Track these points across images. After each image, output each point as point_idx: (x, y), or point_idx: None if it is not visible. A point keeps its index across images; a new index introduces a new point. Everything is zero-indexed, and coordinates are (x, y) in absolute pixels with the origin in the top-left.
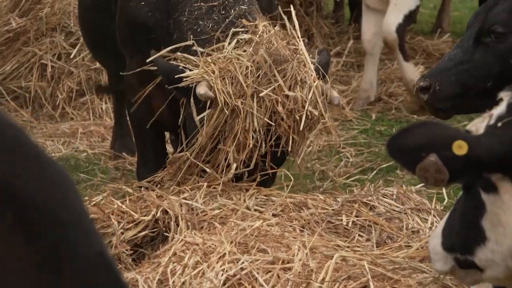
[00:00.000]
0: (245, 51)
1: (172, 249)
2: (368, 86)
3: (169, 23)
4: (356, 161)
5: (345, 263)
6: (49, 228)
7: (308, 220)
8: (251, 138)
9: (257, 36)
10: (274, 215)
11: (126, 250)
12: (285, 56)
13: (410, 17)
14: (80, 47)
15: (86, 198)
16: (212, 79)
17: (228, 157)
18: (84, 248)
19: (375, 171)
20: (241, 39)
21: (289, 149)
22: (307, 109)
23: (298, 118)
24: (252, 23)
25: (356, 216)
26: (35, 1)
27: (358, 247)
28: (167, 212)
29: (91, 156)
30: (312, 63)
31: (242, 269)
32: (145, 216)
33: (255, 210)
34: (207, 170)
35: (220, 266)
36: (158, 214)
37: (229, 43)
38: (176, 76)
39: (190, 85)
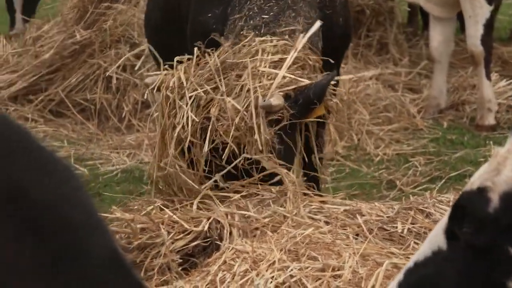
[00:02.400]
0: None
1: (222, 258)
2: (438, 93)
3: None
4: (425, 170)
5: (397, 270)
6: (58, 228)
7: (361, 227)
8: (176, 132)
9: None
10: (326, 222)
11: (176, 259)
12: (242, 65)
13: (489, 26)
14: (145, 58)
15: (135, 207)
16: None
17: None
18: (95, 247)
19: (443, 180)
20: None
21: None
22: (238, 118)
23: (223, 127)
24: (247, 35)
25: (412, 223)
26: (100, 13)
27: (413, 254)
28: (219, 221)
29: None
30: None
31: (291, 276)
32: (196, 226)
33: (308, 217)
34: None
35: (270, 274)
36: (208, 225)
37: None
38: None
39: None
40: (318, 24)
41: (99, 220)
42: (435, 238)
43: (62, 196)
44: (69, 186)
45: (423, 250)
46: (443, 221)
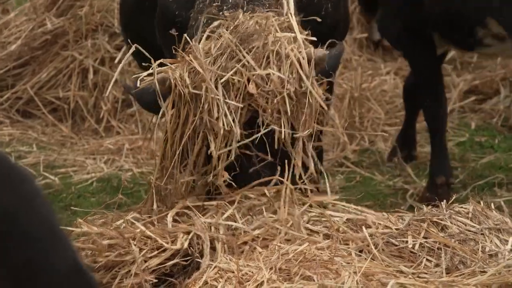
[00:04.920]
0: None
1: (203, 278)
2: None
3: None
4: None
5: None
6: (18, 242)
7: (366, 241)
8: (222, 123)
9: (233, 20)
10: (326, 235)
11: (150, 279)
12: (257, 32)
13: None
14: (126, 50)
15: (102, 220)
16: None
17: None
18: (58, 261)
19: (468, 189)
20: (213, 27)
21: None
22: (285, 89)
23: (278, 101)
24: (232, 14)
25: (424, 238)
26: None
27: (425, 273)
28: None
29: (137, 176)
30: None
31: None
32: (173, 242)
33: (305, 228)
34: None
35: None
36: (187, 241)
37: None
38: (132, 78)
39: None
40: None
41: (59, 231)
42: None
43: (19, 205)
44: (25, 193)
45: None
46: None
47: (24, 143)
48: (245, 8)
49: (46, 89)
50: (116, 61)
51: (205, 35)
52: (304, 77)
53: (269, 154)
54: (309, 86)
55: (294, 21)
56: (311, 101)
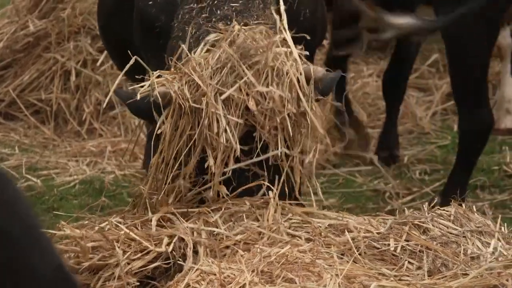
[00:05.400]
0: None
1: (185, 280)
2: None
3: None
4: (430, 179)
5: None
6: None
7: (348, 245)
8: (223, 139)
9: (231, 35)
10: (308, 239)
11: (133, 282)
12: (257, 48)
13: None
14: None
15: (86, 222)
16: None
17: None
18: (40, 264)
19: None
20: (208, 40)
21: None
22: (286, 108)
23: (278, 120)
24: (226, 27)
25: (406, 240)
26: (57, 0)
27: (407, 276)
28: (183, 239)
29: (119, 178)
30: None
31: None
32: (157, 245)
33: (287, 234)
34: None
35: None
36: (172, 244)
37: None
38: (129, 91)
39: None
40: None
41: (40, 233)
42: None
43: (2, 209)
44: (9, 198)
45: None
46: None
47: (6, 145)
48: (234, 20)
49: (28, 91)
50: (99, 63)
51: (205, 49)
52: (303, 99)
53: (264, 168)
54: (307, 108)
55: (289, 37)
56: (308, 121)
